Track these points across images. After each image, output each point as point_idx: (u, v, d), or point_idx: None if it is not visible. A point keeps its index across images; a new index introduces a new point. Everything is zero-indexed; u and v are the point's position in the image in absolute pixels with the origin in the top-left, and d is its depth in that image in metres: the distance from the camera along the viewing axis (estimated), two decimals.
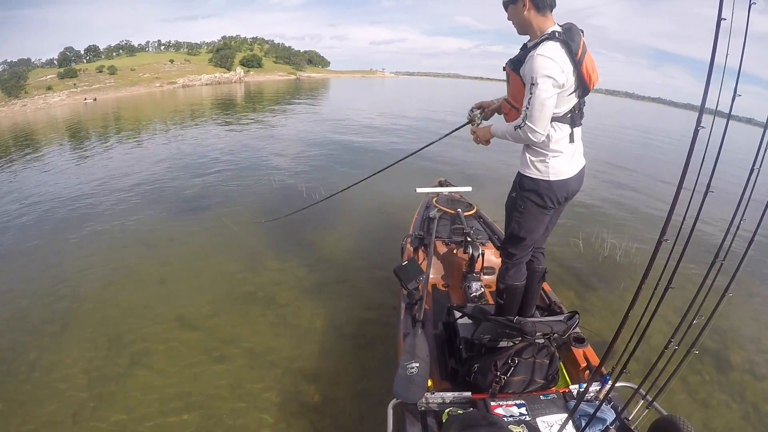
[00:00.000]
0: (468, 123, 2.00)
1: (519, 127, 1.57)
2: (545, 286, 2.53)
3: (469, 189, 3.66)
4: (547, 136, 1.58)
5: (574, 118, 1.62)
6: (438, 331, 2.19)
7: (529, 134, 1.55)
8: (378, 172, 2.95)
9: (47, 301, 3.21)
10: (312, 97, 27.58)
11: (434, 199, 3.54)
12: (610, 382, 1.47)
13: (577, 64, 1.50)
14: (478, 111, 1.97)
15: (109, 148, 9.68)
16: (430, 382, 1.67)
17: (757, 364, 2.80)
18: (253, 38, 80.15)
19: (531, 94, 1.49)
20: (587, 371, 1.86)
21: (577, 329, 1.98)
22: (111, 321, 2.95)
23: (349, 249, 4.10)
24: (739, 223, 1.14)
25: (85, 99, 24.01)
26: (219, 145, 9.40)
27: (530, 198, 1.71)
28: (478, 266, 2.73)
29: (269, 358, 2.62)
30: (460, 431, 1.28)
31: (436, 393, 1.62)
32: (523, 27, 1.61)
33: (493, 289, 2.90)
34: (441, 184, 3.77)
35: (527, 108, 1.52)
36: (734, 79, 1.05)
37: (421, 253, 2.96)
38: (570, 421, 1.40)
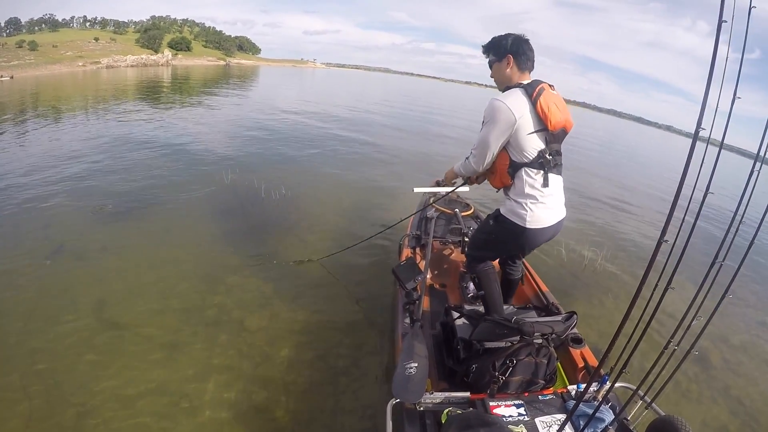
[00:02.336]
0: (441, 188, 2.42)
1: (467, 158, 1.87)
2: (543, 287, 2.54)
3: (466, 189, 3.65)
4: (523, 182, 1.70)
5: (544, 163, 1.68)
6: (436, 332, 2.19)
7: (471, 164, 1.84)
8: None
9: None
10: (242, 84, 26.81)
11: (431, 199, 3.54)
12: (608, 383, 1.47)
13: (533, 102, 1.62)
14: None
15: (24, 133, 8.02)
16: (428, 383, 1.66)
17: (752, 366, 2.82)
18: (183, 20, 77.26)
19: (482, 133, 1.71)
20: (585, 372, 1.87)
21: (575, 330, 1.99)
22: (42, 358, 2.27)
23: (337, 236, 4.12)
24: (739, 225, 1.14)
25: (1, 76, 21.68)
26: (149, 132, 8.28)
27: (501, 236, 1.87)
28: None
29: (266, 359, 2.60)
30: (460, 431, 1.28)
31: (434, 393, 1.62)
32: (504, 82, 1.77)
33: None
34: (438, 184, 3.76)
35: (474, 143, 1.78)
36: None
37: (418, 253, 2.96)
38: (569, 422, 1.40)
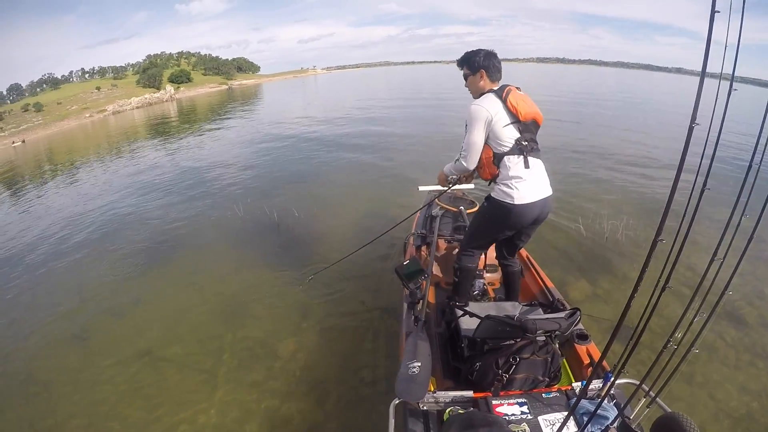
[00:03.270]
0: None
1: (457, 160, 2.08)
2: (548, 282, 2.53)
3: (471, 186, 3.63)
4: (507, 168, 1.94)
5: (522, 149, 1.93)
6: (440, 330, 2.20)
7: (463, 164, 2.05)
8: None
9: None
10: (247, 104, 27.25)
11: (436, 197, 3.54)
12: (611, 379, 1.46)
13: (503, 101, 1.90)
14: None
15: (42, 194, 8.58)
16: (432, 381, 1.67)
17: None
18: (178, 53, 77.99)
19: (467, 135, 1.98)
20: (590, 368, 1.86)
21: (580, 326, 1.97)
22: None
23: (350, 246, 4.10)
24: (740, 220, 1.12)
25: (14, 143, 22.51)
26: (162, 173, 8.57)
27: (495, 215, 2.04)
28: (480, 264, 2.72)
29: (270, 357, 2.65)
30: (461, 431, 1.29)
31: (437, 392, 1.63)
32: (478, 92, 2.05)
33: (497, 286, 2.91)
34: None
35: (463, 146, 2.01)
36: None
37: (423, 252, 2.96)
38: (572, 419, 1.40)
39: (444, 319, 2.21)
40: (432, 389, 1.64)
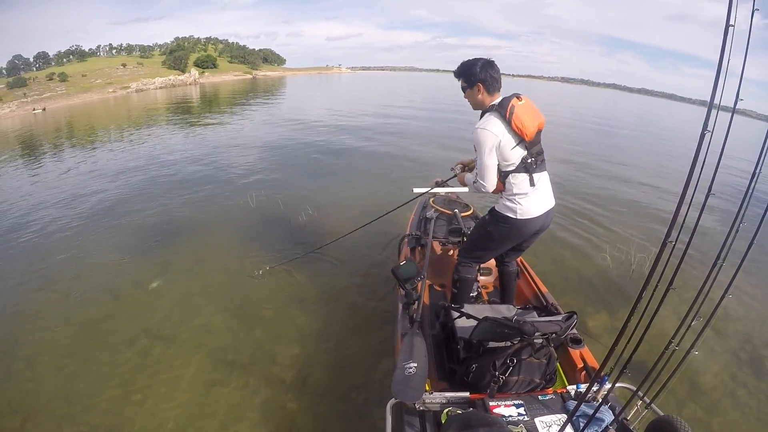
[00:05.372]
0: (453, 176, 2.54)
1: (475, 182, 2.03)
2: (543, 287, 2.55)
3: (465, 189, 3.66)
4: (512, 185, 1.95)
5: (528, 167, 1.93)
6: (435, 332, 2.19)
7: (481, 188, 2.00)
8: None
9: None
10: (270, 96, 27.13)
11: (431, 200, 3.54)
12: (608, 384, 1.48)
13: (507, 122, 1.84)
14: (459, 166, 2.48)
15: (56, 162, 8.49)
16: (427, 383, 1.66)
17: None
18: (206, 38, 77.58)
19: (478, 159, 1.93)
20: (584, 372, 1.88)
21: (574, 330, 1.99)
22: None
23: (345, 246, 4.06)
24: (739, 226, 1.15)
25: (34, 109, 22.41)
26: (179, 156, 8.41)
27: (497, 228, 2.07)
28: None
29: (265, 360, 2.60)
30: (460, 431, 1.28)
31: (434, 393, 1.62)
32: (477, 105, 2.02)
33: (490, 289, 2.92)
34: (438, 185, 3.77)
35: (477, 170, 1.98)
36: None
37: (417, 254, 2.96)
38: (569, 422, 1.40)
39: (439, 320, 2.20)
40: (428, 390, 1.63)
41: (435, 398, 1.60)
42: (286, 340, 2.80)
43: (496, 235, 2.10)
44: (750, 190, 1.16)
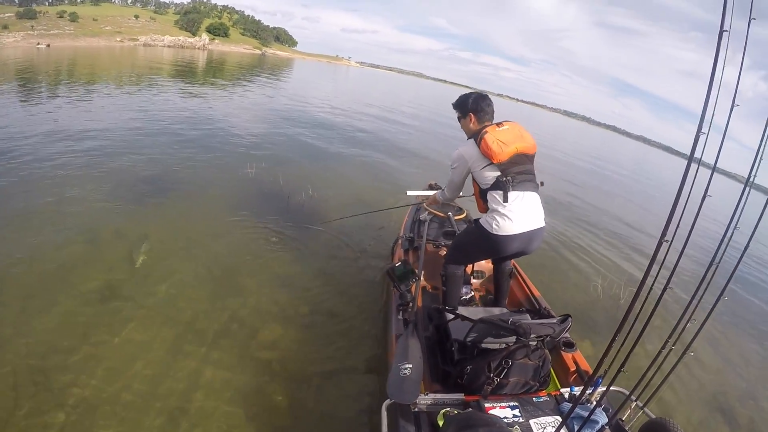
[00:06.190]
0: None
1: (442, 192, 2.51)
2: (535, 291, 2.57)
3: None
4: (488, 202, 2.10)
5: (501, 185, 2.04)
6: (428, 333, 2.18)
7: (447, 195, 2.48)
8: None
9: None
10: (276, 74, 26.98)
11: (425, 202, 3.55)
12: (602, 386, 1.48)
13: (477, 145, 2.05)
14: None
15: (55, 102, 8.04)
16: (421, 385, 1.65)
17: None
18: (223, 6, 76.97)
19: (450, 173, 2.28)
20: (576, 375, 1.89)
21: (567, 334, 2.00)
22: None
23: (337, 249, 4.03)
24: (733, 232, 1.17)
25: (38, 44, 21.99)
26: (179, 114, 8.23)
27: (476, 239, 2.18)
28: (468, 270, 2.74)
29: (257, 358, 2.56)
30: (460, 431, 1.27)
31: (429, 394, 1.61)
32: (469, 133, 2.21)
33: (483, 293, 2.93)
34: (431, 187, 3.78)
35: (447, 182, 2.40)
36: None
37: (411, 255, 2.96)
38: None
39: (433, 322, 2.20)
40: (423, 391, 1.62)
41: (430, 399, 1.59)
42: (270, 319, 2.71)
43: (475, 243, 2.24)
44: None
